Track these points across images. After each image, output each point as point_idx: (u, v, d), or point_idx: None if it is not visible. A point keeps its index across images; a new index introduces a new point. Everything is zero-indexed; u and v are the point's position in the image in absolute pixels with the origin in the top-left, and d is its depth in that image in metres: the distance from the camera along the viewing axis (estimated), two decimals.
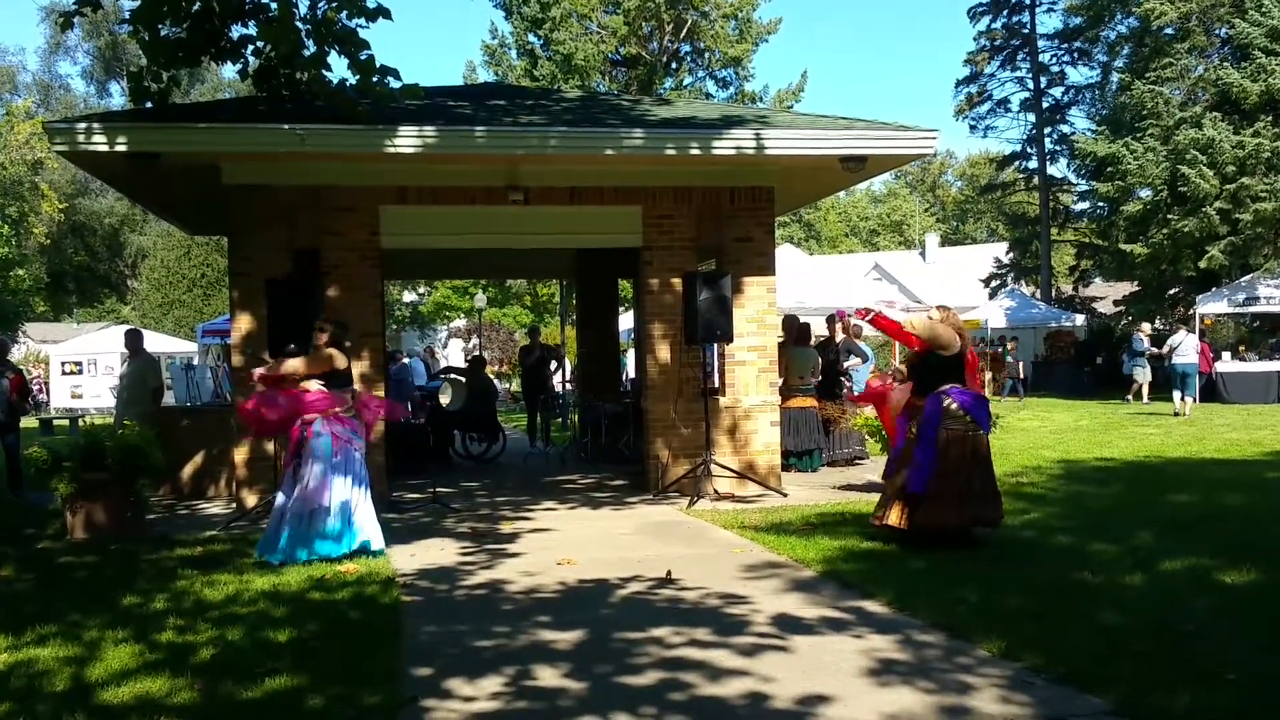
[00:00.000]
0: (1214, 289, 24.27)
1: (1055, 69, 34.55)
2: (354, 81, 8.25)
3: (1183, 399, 18.46)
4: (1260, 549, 6.38)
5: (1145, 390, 20.86)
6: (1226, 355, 23.12)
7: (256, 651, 4.76)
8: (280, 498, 7.09)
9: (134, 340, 11.37)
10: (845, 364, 12.40)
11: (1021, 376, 25.72)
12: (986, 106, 35.97)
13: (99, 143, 8.41)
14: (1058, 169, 34.85)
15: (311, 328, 7.45)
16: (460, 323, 40.47)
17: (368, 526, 7.06)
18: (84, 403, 29.54)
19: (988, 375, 20.50)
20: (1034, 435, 14.81)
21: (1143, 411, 19.41)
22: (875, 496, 9.19)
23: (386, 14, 7.96)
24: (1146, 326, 22.46)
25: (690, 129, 9.39)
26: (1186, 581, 5.73)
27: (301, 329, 7.70)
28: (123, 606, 5.68)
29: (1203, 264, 24.33)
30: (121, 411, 10.94)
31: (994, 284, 35.36)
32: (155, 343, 25.09)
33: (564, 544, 7.42)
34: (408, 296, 42.98)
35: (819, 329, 13.54)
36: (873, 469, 11.51)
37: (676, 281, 9.86)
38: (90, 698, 4.17)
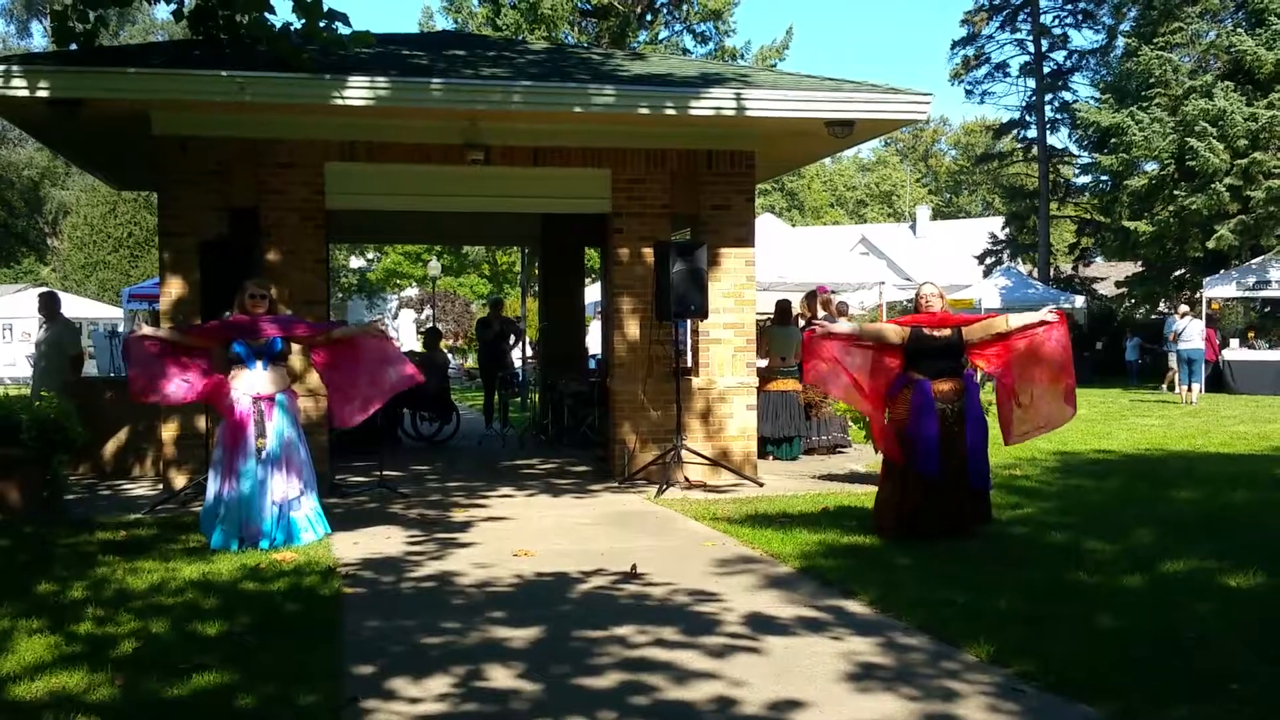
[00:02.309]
0: (1222, 271, 24.51)
1: (1058, 31, 34.75)
2: (299, 26, 8.12)
3: (1189, 387, 18.69)
4: (1266, 550, 6.44)
5: (1172, 378, 20.92)
6: (1235, 342, 23.36)
7: (183, 645, 4.71)
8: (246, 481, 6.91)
9: (50, 304, 11.21)
10: None
11: None
12: (984, 70, 36.16)
13: (18, 87, 8.22)
14: (1058, 139, 35.31)
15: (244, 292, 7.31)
16: (412, 292, 40.23)
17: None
18: None
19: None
20: None
21: (1146, 400, 19.65)
22: (858, 488, 9.32)
23: None
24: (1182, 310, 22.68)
25: (666, 87, 9.34)
26: (1188, 584, 5.78)
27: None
28: (37, 594, 5.60)
29: (1211, 244, 24.59)
30: (38, 382, 10.82)
31: (988, 261, 35.64)
32: (77, 307, 24.79)
33: (521, 534, 7.41)
34: (355, 262, 42.64)
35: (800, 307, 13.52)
36: (855, 457, 11.59)
37: (648, 251, 9.83)
38: (0, 692, 4.12)
